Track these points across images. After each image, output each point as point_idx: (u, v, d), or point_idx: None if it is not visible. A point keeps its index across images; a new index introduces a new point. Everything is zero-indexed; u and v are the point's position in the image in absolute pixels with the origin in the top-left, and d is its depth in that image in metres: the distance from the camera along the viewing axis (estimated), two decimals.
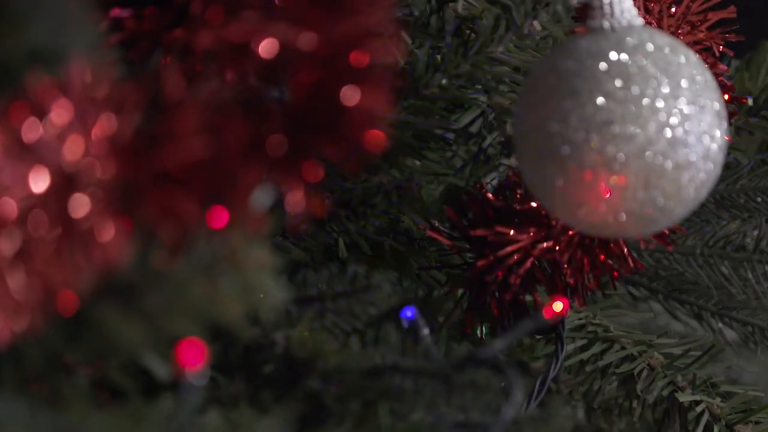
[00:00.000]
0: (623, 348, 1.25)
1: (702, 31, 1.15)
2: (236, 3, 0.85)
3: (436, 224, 1.19)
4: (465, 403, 0.99)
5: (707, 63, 1.13)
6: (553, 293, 1.13)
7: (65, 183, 0.75)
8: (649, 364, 1.24)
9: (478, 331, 1.19)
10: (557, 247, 1.13)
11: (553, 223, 1.13)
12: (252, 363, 1.02)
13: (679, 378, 1.24)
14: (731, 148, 1.35)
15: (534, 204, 1.14)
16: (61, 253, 0.75)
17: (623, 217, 1.02)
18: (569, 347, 1.25)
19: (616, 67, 1.00)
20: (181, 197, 0.77)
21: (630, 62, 1.01)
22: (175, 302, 0.80)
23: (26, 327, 0.75)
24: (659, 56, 1.01)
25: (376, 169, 1.27)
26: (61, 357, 0.83)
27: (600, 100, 1.00)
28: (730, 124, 1.07)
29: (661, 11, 1.14)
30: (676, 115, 1.00)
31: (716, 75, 1.11)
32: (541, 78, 1.03)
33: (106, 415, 0.80)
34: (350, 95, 0.81)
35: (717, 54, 1.15)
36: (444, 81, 1.17)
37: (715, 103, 1.03)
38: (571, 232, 1.13)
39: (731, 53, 1.15)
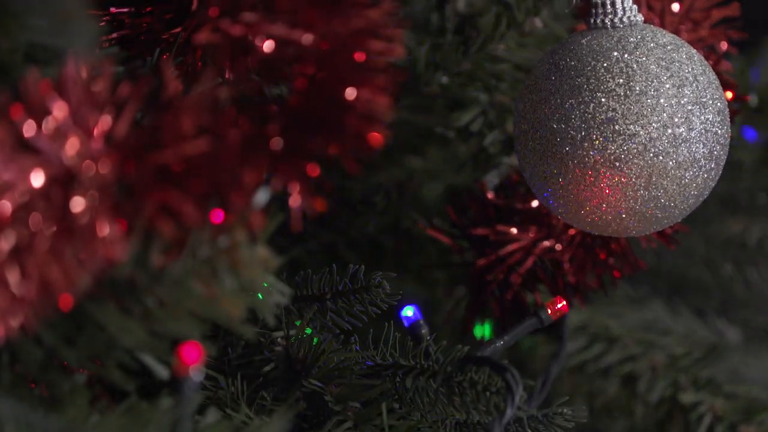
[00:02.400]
0: (625, 347, 1.25)
1: (705, 29, 1.14)
2: (236, 1, 0.85)
3: (437, 223, 1.18)
4: (465, 403, 0.99)
5: (710, 61, 1.13)
6: (555, 292, 1.13)
7: (63, 179, 0.75)
8: (651, 365, 1.24)
9: (479, 331, 1.18)
10: (558, 246, 1.12)
11: (554, 222, 1.13)
12: (252, 363, 1.02)
13: (682, 378, 1.24)
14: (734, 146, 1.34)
15: (535, 203, 1.13)
16: (59, 249, 0.74)
17: (625, 215, 1.02)
18: (571, 347, 1.25)
19: (618, 65, 1.00)
20: (180, 196, 0.77)
21: (632, 60, 1.00)
22: (175, 302, 0.80)
23: (24, 322, 0.75)
24: (661, 54, 1.01)
25: (376, 167, 1.27)
26: (59, 356, 0.82)
27: (601, 98, 1.00)
28: (733, 122, 1.07)
29: (663, 8, 1.13)
30: (678, 113, 1.00)
31: (719, 73, 1.10)
32: (543, 76, 1.02)
33: (106, 415, 0.80)
34: (350, 94, 0.80)
35: (720, 52, 1.14)
36: (445, 79, 1.17)
37: (717, 101, 1.02)
38: (572, 231, 1.13)
39: (734, 51, 1.15)
